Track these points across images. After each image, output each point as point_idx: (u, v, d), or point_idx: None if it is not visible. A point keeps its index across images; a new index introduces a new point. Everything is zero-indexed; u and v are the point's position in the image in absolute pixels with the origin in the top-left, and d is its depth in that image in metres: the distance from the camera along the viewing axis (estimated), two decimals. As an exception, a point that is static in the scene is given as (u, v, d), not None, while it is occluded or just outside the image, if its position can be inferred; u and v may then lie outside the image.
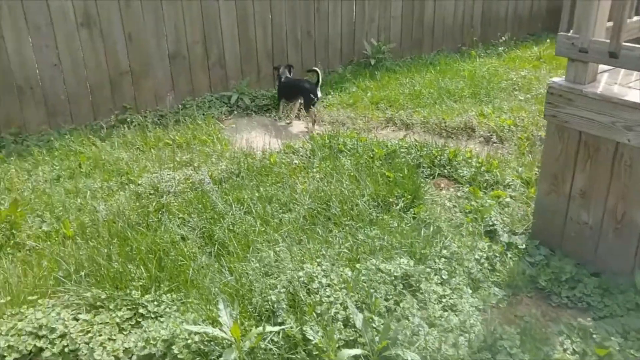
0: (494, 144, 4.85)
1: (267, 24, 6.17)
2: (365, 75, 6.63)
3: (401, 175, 4.00)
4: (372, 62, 6.88)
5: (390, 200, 3.71)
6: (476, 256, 3.16)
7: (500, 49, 7.80)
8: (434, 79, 6.44)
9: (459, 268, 3.04)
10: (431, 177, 4.18)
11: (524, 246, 3.27)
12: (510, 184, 4.01)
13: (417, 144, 4.57)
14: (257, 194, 3.78)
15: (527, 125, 5.03)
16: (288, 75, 5.70)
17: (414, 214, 3.59)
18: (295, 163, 4.35)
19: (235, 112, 5.78)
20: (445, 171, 4.23)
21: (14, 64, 4.84)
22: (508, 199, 3.80)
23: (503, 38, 8.13)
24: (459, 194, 3.94)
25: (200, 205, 3.65)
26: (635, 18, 3.04)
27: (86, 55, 5.18)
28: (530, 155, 4.44)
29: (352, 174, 4.07)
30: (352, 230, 3.37)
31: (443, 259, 3.08)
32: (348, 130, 5.15)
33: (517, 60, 7.30)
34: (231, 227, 3.40)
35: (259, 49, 6.21)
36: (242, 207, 3.64)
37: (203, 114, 5.51)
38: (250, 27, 6.06)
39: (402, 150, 4.46)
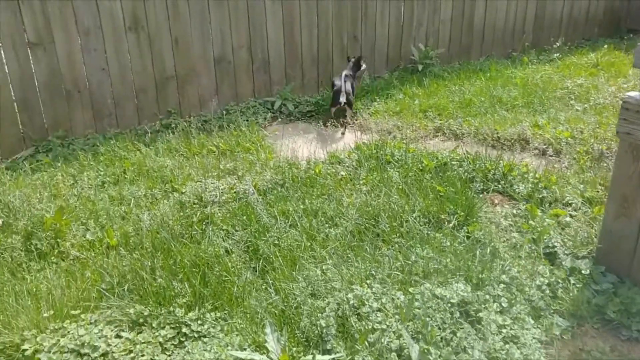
0: (550, 157, 4.60)
1: (313, 27, 6.04)
2: (412, 81, 6.43)
3: (453, 190, 3.80)
4: (420, 67, 6.67)
5: (442, 217, 3.53)
6: (537, 282, 2.94)
7: (554, 54, 7.48)
8: (484, 87, 6.19)
9: (520, 295, 2.83)
10: (485, 192, 3.96)
11: (588, 272, 3.03)
12: (570, 201, 3.76)
13: (469, 156, 4.36)
14: (302, 207, 3.65)
15: (586, 138, 4.75)
16: (346, 71, 5.51)
17: (468, 232, 3.39)
18: (341, 174, 4.21)
19: (279, 119, 5.68)
20: (500, 186, 4.00)
21: (63, 68, 4.85)
22: (568, 219, 3.56)
23: (557, 43, 7.79)
24: (514, 211, 3.71)
25: (244, 217, 3.55)
26: None
27: (133, 59, 5.16)
28: (591, 171, 4.17)
29: (400, 187, 3.90)
30: (402, 249, 3.20)
31: (502, 285, 2.88)
32: (395, 140, 4.97)
33: (572, 67, 6.96)
34: (276, 242, 3.28)
35: (304, 53, 6.09)
36: (287, 220, 3.52)
37: (246, 120, 5.42)
38: (296, 31, 5.94)
39: (453, 162, 4.26)
